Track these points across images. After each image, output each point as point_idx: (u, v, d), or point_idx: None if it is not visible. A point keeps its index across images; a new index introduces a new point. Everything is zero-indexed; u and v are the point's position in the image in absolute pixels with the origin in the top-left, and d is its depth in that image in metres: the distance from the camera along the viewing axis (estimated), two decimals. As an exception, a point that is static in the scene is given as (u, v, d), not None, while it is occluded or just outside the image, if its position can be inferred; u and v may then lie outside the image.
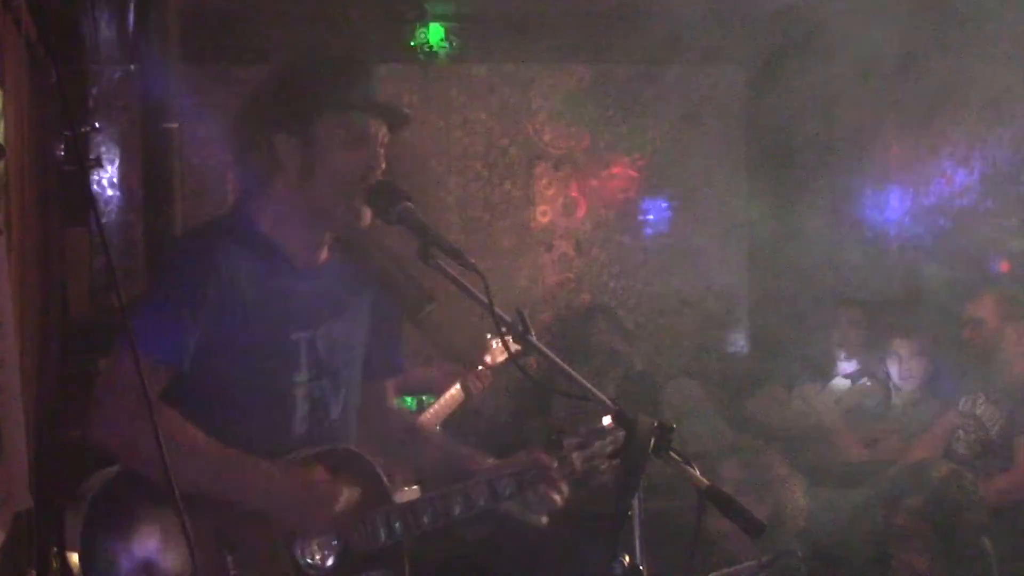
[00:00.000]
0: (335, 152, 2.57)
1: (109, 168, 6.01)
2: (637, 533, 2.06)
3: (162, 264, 2.70)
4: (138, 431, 2.22)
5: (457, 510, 2.69)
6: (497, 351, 4.81)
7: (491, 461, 2.80)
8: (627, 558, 2.04)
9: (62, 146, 4.55)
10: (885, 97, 6.02)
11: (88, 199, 4.55)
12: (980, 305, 4.89)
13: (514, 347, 2.38)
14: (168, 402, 2.49)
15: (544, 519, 2.77)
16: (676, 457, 2.12)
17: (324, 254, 2.70)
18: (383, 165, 2.61)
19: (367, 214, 2.59)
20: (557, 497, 2.74)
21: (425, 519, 2.67)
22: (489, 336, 4.79)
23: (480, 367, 4.81)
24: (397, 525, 2.65)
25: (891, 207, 6.21)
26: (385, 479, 2.71)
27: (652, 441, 2.08)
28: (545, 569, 4.59)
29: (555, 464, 2.74)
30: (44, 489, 3.48)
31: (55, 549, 3.61)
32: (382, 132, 2.63)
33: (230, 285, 2.54)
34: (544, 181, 6.83)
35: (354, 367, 2.77)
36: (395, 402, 3.02)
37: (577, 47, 6.66)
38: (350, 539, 2.61)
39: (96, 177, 5.86)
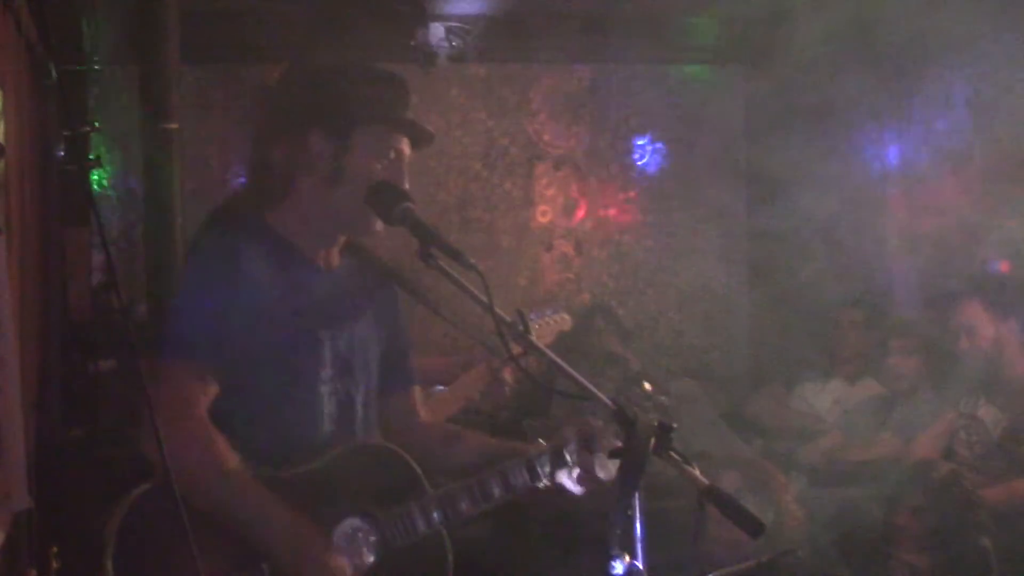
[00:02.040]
0: (368, 161, 2.61)
1: (109, 168, 6.03)
2: (637, 533, 2.06)
3: (189, 267, 2.71)
4: (187, 457, 2.24)
5: (496, 492, 2.69)
6: (545, 328, 4.30)
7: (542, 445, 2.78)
8: (627, 558, 2.04)
9: (62, 146, 4.55)
10: (885, 97, 6.02)
11: (88, 199, 4.56)
12: (969, 312, 4.87)
13: (515, 348, 2.39)
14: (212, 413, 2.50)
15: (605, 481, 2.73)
16: (676, 457, 2.12)
17: (337, 257, 2.73)
18: (407, 185, 2.64)
19: (379, 224, 2.62)
20: (600, 471, 2.71)
21: (464, 505, 2.66)
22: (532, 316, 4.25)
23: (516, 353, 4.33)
24: (436, 515, 2.64)
25: (891, 207, 6.20)
26: (418, 469, 2.71)
27: (652, 441, 2.08)
28: (545, 569, 4.59)
29: (595, 434, 2.70)
30: (44, 489, 3.48)
31: (55, 549, 3.61)
32: (409, 150, 2.68)
33: (254, 286, 2.55)
34: (544, 181, 6.83)
35: (372, 368, 2.78)
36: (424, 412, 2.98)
37: (577, 47, 6.66)
38: (388, 533, 2.61)
39: (96, 177, 5.86)
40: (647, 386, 2.81)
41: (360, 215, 2.62)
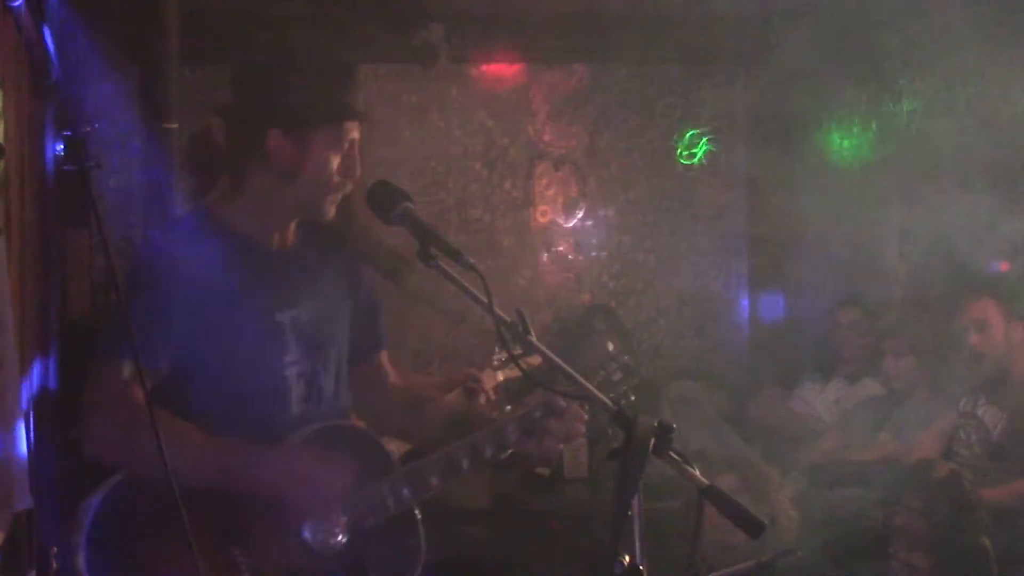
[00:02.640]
0: (324, 155, 2.62)
1: (109, 168, 6.02)
2: (637, 533, 2.06)
3: (130, 271, 2.71)
4: (134, 440, 2.24)
5: (465, 464, 2.68)
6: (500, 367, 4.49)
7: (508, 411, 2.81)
8: (627, 558, 2.04)
9: (62, 146, 4.55)
10: (886, 97, 6.03)
11: (88, 199, 4.56)
12: (982, 309, 4.87)
13: (515, 348, 2.38)
14: (160, 403, 2.49)
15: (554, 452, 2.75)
16: (676, 457, 2.12)
17: (291, 235, 2.74)
18: (359, 170, 2.67)
19: (332, 209, 2.67)
20: (571, 428, 2.72)
21: (433, 480, 2.67)
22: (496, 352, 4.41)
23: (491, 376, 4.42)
24: (405, 491, 2.65)
25: (891, 206, 6.21)
26: (386, 447, 2.72)
27: (652, 441, 2.08)
28: (545, 569, 4.59)
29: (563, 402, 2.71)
30: (44, 489, 3.48)
31: (55, 549, 3.61)
32: (358, 134, 2.69)
33: (202, 281, 2.55)
34: (544, 181, 6.83)
35: (340, 342, 2.79)
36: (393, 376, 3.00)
37: (577, 47, 6.65)
38: (358, 513, 2.61)
39: (96, 177, 5.86)
40: (610, 346, 2.81)
41: (315, 204, 2.66)
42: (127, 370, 2.48)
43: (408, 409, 2.93)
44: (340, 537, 2.58)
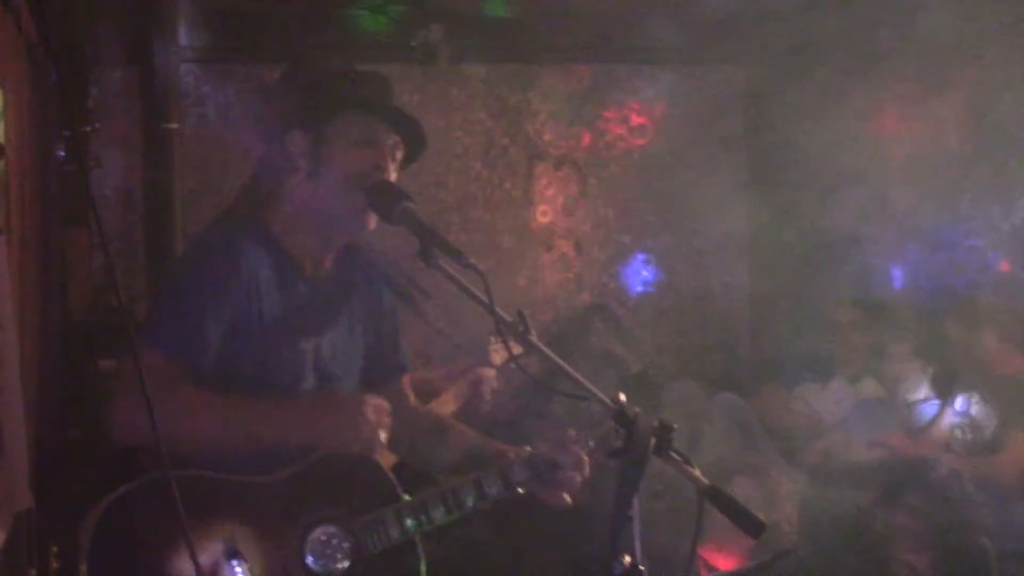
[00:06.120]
0: (344, 150, 2.60)
1: (109, 168, 6.03)
2: (637, 533, 2.06)
3: (187, 258, 2.70)
4: (178, 427, 2.22)
5: (470, 501, 2.67)
6: (497, 352, 4.42)
7: (525, 450, 2.77)
8: (627, 558, 2.04)
9: (62, 146, 4.55)
10: (886, 97, 6.03)
11: (88, 199, 4.56)
12: (955, 320, 4.93)
13: (515, 347, 2.39)
14: None
15: (567, 499, 2.75)
16: (677, 457, 2.12)
17: (328, 263, 2.72)
18: (392, 171, 2.63)
19: (372, 218, 2.61)
20: (577, 476, 2.72)
21: (437, 514, 2.65)
22: (492, 339, 4.52)
23: (492, 368, 4.42)
24: (408, 522, 2.63)
25: (892, 206, 6.20)
26: (393, 477, 2.71)
27: (653, 441, 2.08)
28: (546, 569, 4.59)
29: (576, 445, 2.72)
30: (44, 489, 3.48)
31: (55, 549, 3.61)
32: (393, 141, 2.66)
33: (250, 287, 2.55)
34: (544, 181, 6.83)
35: (353, 372, 2.78)
36: (415, 400, 2.99)
37: (577, 47, 6.66)
38: (362, 540, 2.60)
39: (96, 177, 5.86)
40: (571, 433, 2.86)
41: (347, 209, 2.60)
42: (162, 362, 2.46)
43: (430, 434, 2.91)
44: (344, 563, 2.58)
